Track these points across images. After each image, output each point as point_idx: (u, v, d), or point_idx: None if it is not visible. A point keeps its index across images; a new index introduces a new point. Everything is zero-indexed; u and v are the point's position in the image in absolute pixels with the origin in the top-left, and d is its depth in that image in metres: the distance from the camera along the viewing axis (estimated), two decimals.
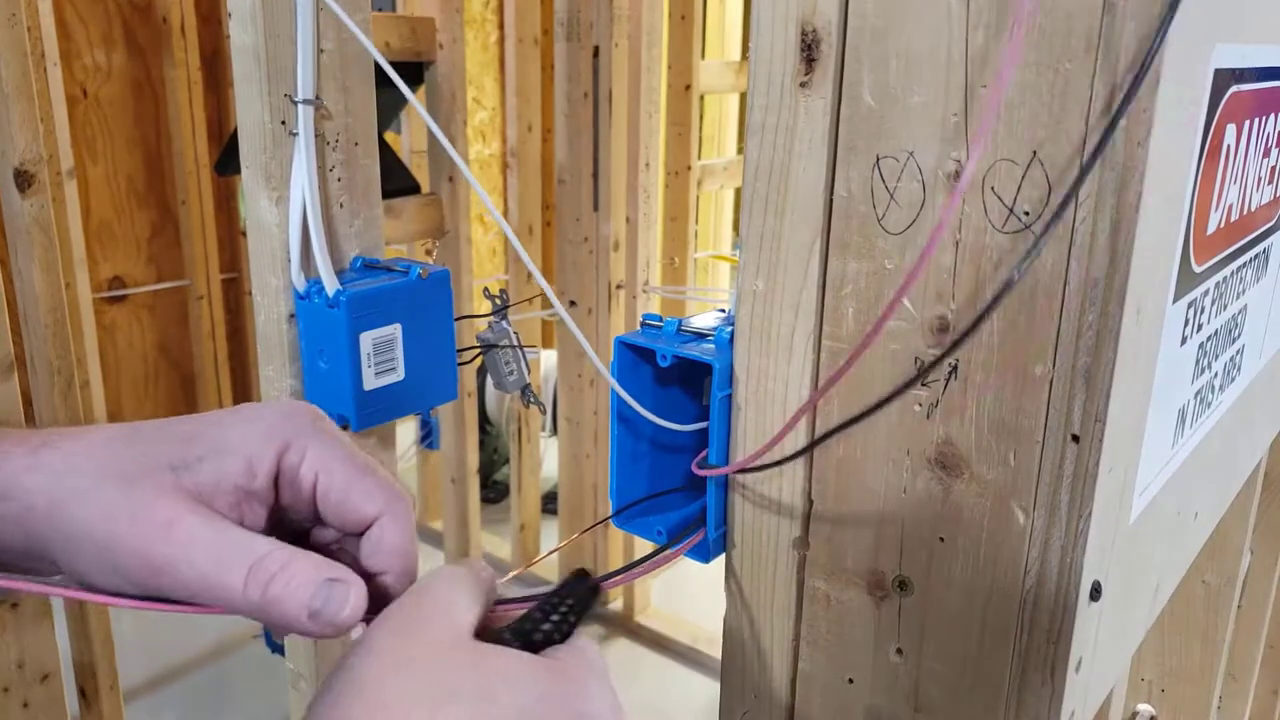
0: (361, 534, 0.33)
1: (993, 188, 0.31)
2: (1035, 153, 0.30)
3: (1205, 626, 0.87)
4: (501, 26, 2.59)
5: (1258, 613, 0.95)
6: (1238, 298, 0.44)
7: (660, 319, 0.42)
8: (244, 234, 0.95)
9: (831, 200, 0.35)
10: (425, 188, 1.56)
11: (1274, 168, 0.44)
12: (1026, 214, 0.31)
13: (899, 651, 0.39)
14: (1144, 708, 0.86)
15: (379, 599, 0.31)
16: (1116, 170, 0.29)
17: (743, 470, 0.39)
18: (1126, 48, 0.27)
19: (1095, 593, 0.36)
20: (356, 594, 0.30)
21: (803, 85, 0.34)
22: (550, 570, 1.95)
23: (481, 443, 1.93)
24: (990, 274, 0.32)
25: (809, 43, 0.34)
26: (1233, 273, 0.42)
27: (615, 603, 1.92)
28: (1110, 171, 0.29)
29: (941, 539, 0.36)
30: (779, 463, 0.38)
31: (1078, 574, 0.34)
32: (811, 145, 0.35)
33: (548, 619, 0.31)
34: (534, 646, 0.29)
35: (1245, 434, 0.56)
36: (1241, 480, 0.63)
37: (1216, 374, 0.45)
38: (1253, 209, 0.42)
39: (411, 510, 0.34)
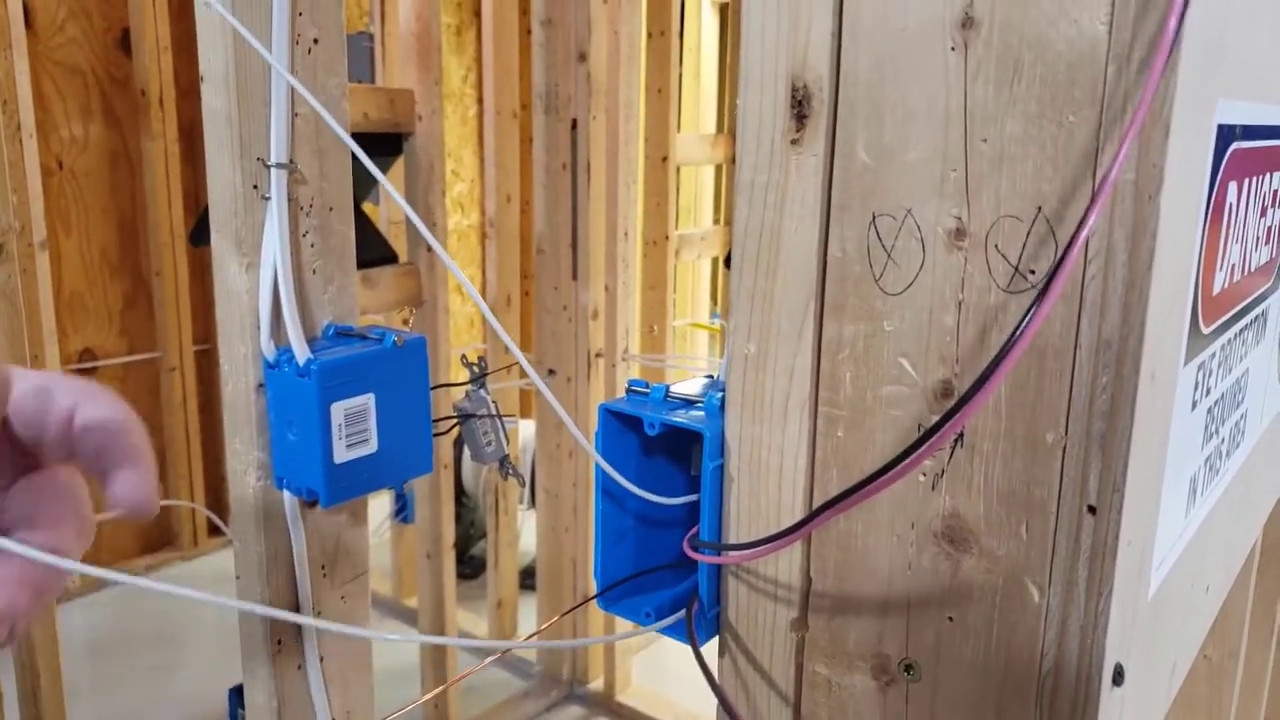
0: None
1: (996, 245, 0.30)
2: (1040, 208, 0.29)
3: (1209, 702, 0.84)
4: (480, 100, 2.63)
5: (1256, 685, 0.93)
6: (1241, 360, 0.43)
7: (646, 384, 0.40)
8: None
9: (826, 260, 0.34)
10: (403, 258, 1.54)
11: (1270, 228, 0.43)
12: (1033, 272, 0.29)
13: None
14: None
15: (110, 455, 0.32)
16: (1127, 227, 0.27)
17: (737, 558, 0.37)
18: (1134, 100, 0.26)
19: (1118, 677, 0.33)
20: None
21: (794, 143, 0.33)
22: (529, 650, 1.88)
23: (458, 516, 1.88)
24: (995, 335, 0.31)
25: (799, 99, 0.33)
26: (1236, 334, 0.41)
27: (596, 681, 1.85)
28: (1121, 228, 0.27)
29: (950, 619, 0.34)
30: (774, 539, 0.35)
31: (1099, 656, 0.32)
32: (804, 204, 0.33)
33: None
34: None
35: (1249, 502, 0.55)
36: (1246, 551, 0.61)
37: (1223, 440, 0.43)
38: (1252, 270, 0.42)
39: (109, 393, 0.34)
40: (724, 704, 0.38)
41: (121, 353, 2.25)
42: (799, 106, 0.33)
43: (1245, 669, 0.84)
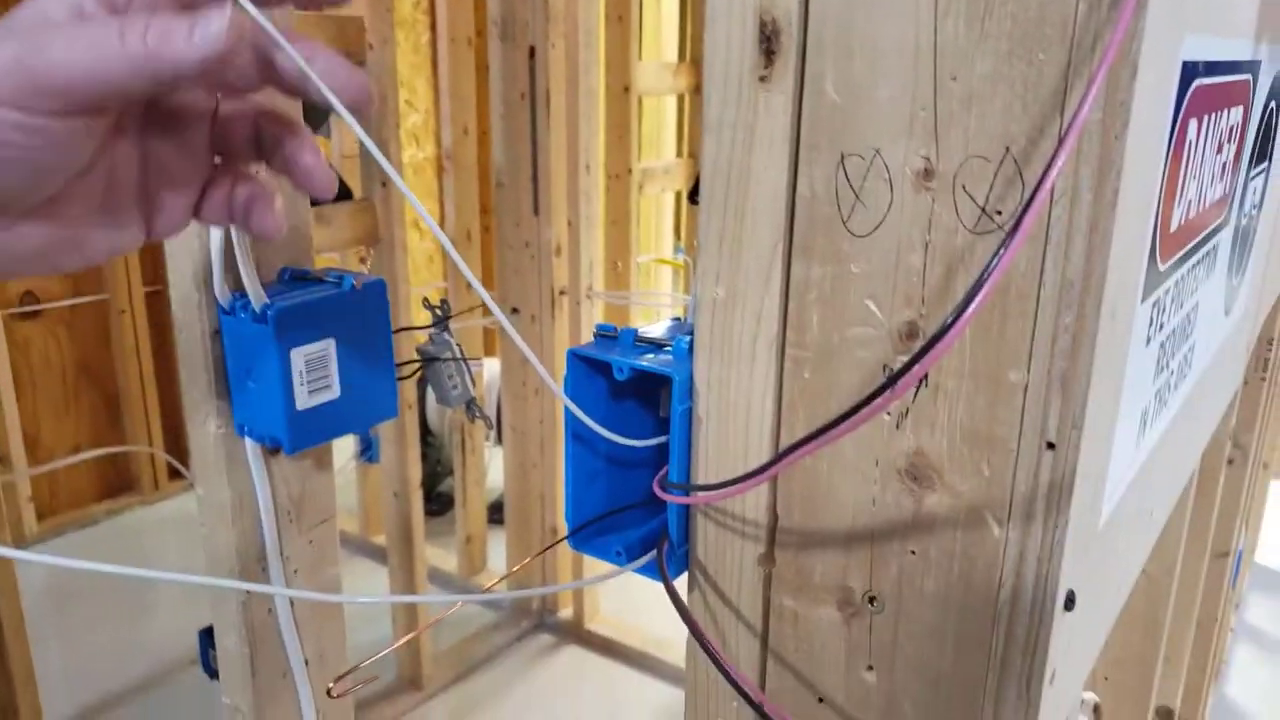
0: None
1: (964, 186, 0.30)
2: (1008, 148, 0.29)
3: (1146, 616, 0.88)
4: (433, 27, 2.54)
5: (1189, 596, 0.98)
6: (1192, 294, 0.44)
7: (614, 328, 0.40)
8: None
9: (794, 201, 0.33)
10: (358, 193, 1.50)
11: (1224, 164, 0.44)
12: (999, 213, 0.29)
13: (870, 668, 0.37)
14: (1088, 695, 0.88)
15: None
16: (1093, 166, 0.27)
17: (706, 498, 0.37)
18: (1103, 37, 0.26)
19: (1070, 602, 0.35)
20: (229, 9, 0.31)
21: (762, 79, 0.32)
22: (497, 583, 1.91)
23: (424, 454, 1.88)
24: (961, 277, 0.31)
25: (768, 34, 0.32)
26: (1189, 270, 0.42)
27: (565, 611, 1.89)
28: (1086, 167, 0.28)
29: (913, 552, 0.35)
30: (742, 479, 0.36)
31: (1053, 584, 0.33)
32: (772, 143, 0.33)
33: None
34: None
35: (1192, 431, 0.57)
36: (1188, 475, 0.64)
37: (1173, 372, 0.45)
38: (1207, 205, 0.42)
39: None
40: (696, 635, 0.39)
41: (67, 295, 2.18)
42: (768, 42, 0.32)
43: (1180, 583, 0.88)
